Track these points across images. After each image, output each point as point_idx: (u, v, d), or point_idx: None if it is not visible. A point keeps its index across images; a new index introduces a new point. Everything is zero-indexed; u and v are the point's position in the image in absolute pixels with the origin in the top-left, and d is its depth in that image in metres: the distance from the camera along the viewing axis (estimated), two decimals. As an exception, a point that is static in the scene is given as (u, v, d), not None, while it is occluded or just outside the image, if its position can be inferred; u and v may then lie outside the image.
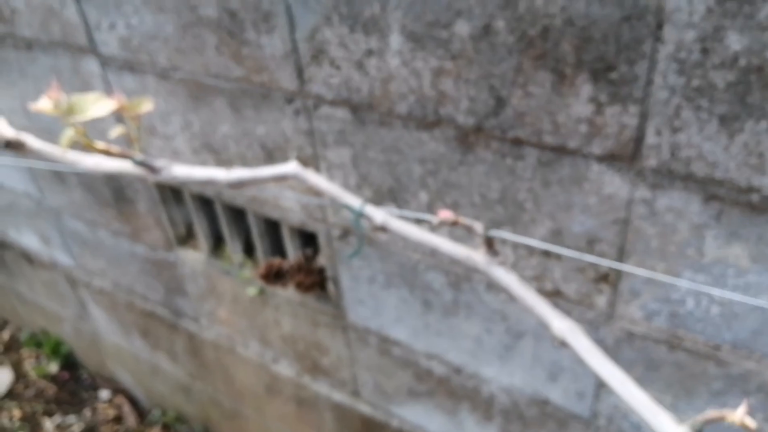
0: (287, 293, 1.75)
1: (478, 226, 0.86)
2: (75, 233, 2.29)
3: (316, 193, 1.40)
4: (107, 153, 1.03)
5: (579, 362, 1.27)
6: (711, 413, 0.68)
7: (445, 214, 0.88)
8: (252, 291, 1.81)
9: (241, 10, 1.22)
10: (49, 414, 2.97)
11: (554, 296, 1.22)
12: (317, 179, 0.99)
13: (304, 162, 1.39)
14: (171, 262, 2.01)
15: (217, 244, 1.91)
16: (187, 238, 1.96)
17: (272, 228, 1.71)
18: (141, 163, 0.99)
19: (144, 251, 2.07)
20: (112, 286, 2.37)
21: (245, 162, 1.49)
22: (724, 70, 0.82)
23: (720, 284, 1.01)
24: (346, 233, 1.46)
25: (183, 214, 1.92)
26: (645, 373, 1.21)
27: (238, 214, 1.78)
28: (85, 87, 1.67)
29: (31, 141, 1.08)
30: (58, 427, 2.91)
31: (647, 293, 1.10)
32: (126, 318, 2.45)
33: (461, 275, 1.33)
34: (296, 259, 1.62)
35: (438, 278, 1.37)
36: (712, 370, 1.12)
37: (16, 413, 2.99)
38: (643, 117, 0.92)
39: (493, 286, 1.30)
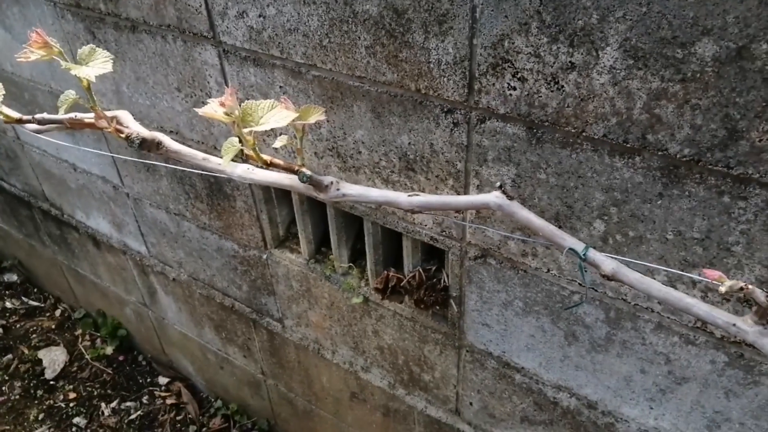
0: (395, 306, 1.62)
1: (761, 296, 0.71)
2: (155, 222, 2.16)
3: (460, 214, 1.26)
4: (269, 165, 0.90)
5: (753, 415, 1.12)
6: None
7: (713, 275, 0.73)
8: (356, 300, 1.67)
9: (411, 9, 1.07)
10: (106, 398, 2.88)
11: (743, 346, 1.08)
12: (528, 215, 0.85)
13: (447, 175, 1.25)
14: (263, 261, 1.88)
15: (318, 248, 1.77)
16: (285, 239, 1.83)
17: (388, 238, 1.57)
18: (308, 180, 0.86)
19: (233, 248, 1.94)
20: (188, 277, 2.24)
21: (375, 171, 1.35)
22: None
23: None
24: (484, 254, 1.32)
25: (284, 215, 1.78)
26: (841, 438, 1.07)
27: (350, 221, 1.64)
28: (195, 77, 1.53)
29: (169, 142, 0.94)
30: (115, 411, 2.82)
31: None
32: (200, 310, 2.33)
33: (625, 312, 1.19)
34: (418, 274, 1.48)
35: (593, 312, 1.23)
36: None
37: (72, 395, 2.90)
38: None
39: (663, 327, 1.15)
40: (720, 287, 0.69)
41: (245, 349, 2.31)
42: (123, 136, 0.92)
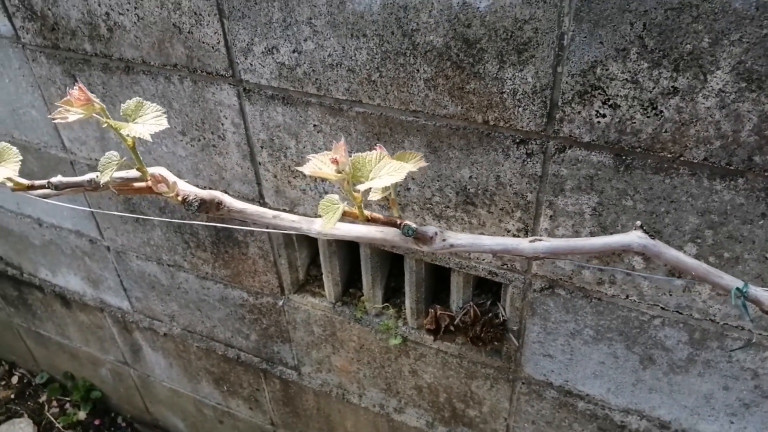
0: (441, 345, 1.54)
1: None
2: (142, 276, 1.98)
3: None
4: (368, 220, 0.81)
5: None
6: None
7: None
8: (394, 341, 1.58)
9: (485, 39, 1.00)
10: (86, 467, 2.63)
11: (843, 357, 1.08)
12: (677, 255, 0.79)
13: (515, 206, 1.19)
14: (278, 308, 1.75)
15: (345, 290, 1.67)
16: (305, 283, 1.71)
17: (428, 274, 1.50)
18: (414, 233, 0.78)
19: (241, 296, 1.80)
20: (182, 331, 2.07)
21: (427, 207, 1.27)
22: None
23: None
24: (552, 285, 1.27)
25: (304, 257, 1.67)
26: None
27: (384, 259, 1.55)
28: (206, 119, 1.39)
29: (231, 201, 0.84)
30: (99, 481, 2.59)
31: None
32: (196, 364, 2.16)
33: (711, 332, 1.16)
34: (472, 311, 1.41)
35: (674, 335, 1.20)
36: None
37: (45, 469, 2.64)
38: None
39: (754, 343, 1.14)
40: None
41: (252, 401, 2.16)
42: (179, 198, 0.80)
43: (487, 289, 1.46)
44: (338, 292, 1.64)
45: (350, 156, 0.71)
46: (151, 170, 0.79)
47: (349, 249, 1.60)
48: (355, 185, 0.72)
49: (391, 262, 1.60)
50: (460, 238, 0.83)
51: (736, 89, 0.88)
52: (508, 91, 1.04)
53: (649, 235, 0.78)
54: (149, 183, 0.79)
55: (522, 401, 1.53)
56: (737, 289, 0.76)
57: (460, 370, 1.57)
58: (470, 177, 1.19)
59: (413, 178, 1.25)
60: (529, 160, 1.11)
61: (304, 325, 1.76)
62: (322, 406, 1.96)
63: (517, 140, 1.09)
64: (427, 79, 1.09)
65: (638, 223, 0.79)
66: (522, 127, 1.07)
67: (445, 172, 1.20)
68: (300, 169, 0.70)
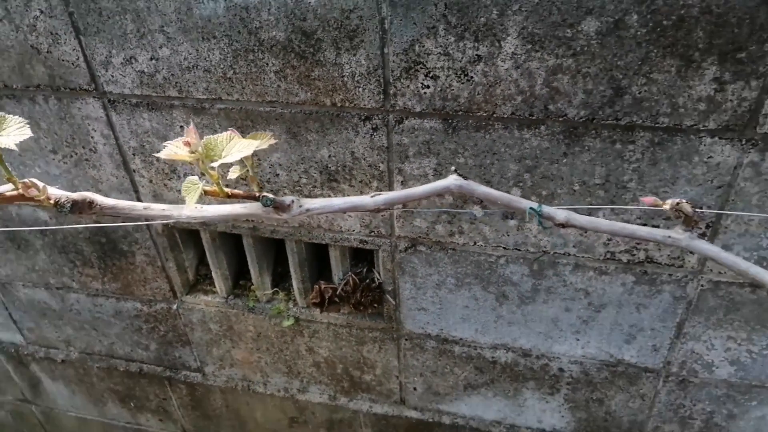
0: (329, 317, 1.64)
1: (689, 207, 0.88)
2: (31, 304, 1.93)
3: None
4: (229, 197, 0.91)
5: (659, 319, 1.35)
6: None
7: (649, 201, 0.89)
8: (287, 322, 1.67)
9: (320, 30, 1.12)
10: None
11: (645, 263, 1.29)
12: (484, 189, 0.95)
13: (371, 177, 1.32)
14: (173, 312, 1.78)
15: (236, 283, 1.73)
16: (195, 283, 1.75)
17: (311, 254, 1.59)
18: (272, 203, 0.88)
19: (135, 307, 1.81)
20: (80, 355, 2.04)
21: (296, 189, 1.37)
22: None
23: (813, 224, 1.14)
24: (414, 244, 1.41)
25: (191, 258, 1.71)
26: (725, 315, 1.32)
27: (268, 247, 1.63)
28: (76, 134, 1.42)
29: (102, 199, 0.91)
30: None
31: (739, 245, 1.20)
32: (99, 386, 2.12)
33: (546, 262, 1.35)
34: (351, 279, 1.52)
35: (518, 270, 1.38)
36: (792, 300, 1.26)
37: None
38: (764, 90, 1.01)
39: (579, 266, 1.34)
40: (664, 205, 0.84)
41: (161, 412, 2.15)
42: (51, 202, 0.86)
43: (362, 258, 1.58)
44: (229, 286, 1.70)
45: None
46: (25, 180, 0.84)
47: (234, 243, 1.67)
48: (209, 164, 0.81)
49: (276, 250, 1.68)
50: (314, 202, 0.94)
51: (525, 51, 1.06)
52: (347, 74, 1.17)
53: (463, 177, 0.93)
54: (20, 190, 0.84)
55: (408, 356, 1.66)
56: (531, 208, 0.93)
57: (351, 338, 1.68)
58: (329, 156, 1.30)
59: (280, 164, 1.35)
60: (375, 134, 1.24)
61: (200, 325, 1.80)
62: (231, 402, 2.00)
63: (363, 117, 1.23)
64: (276, 71, 1.20)
65: (453, 168, 0.94)
66: (365, 105, 1.20)
67: (307, 154, 1.31)
68: (157, 154, 0.78)
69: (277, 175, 1.37)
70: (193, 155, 0.80)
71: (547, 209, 0.95)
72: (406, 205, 1.35)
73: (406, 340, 1.63)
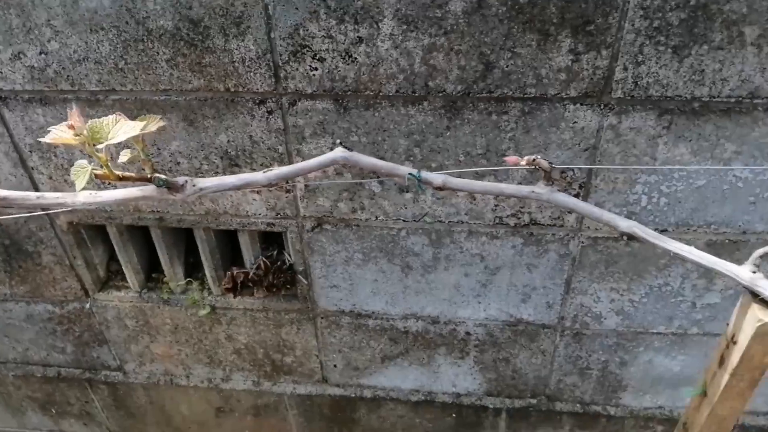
0: (245, 303, 1.68)
1: (545, 163, 0.98)
2: (-67, 316, 1.86)
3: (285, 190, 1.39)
4: (121, 179, 0.94)
5: (549, 277, 1.47)
6: (762, 250, 0.89)
7: (513, 159, 0.98)
8: (203, 311, 1.69)
9: (207, 17, 1.16)
10: None
11: (531, 225, 1.40)
12: (369, 159, 1.02)
13: (271, 160, 1.36)
14: (86, 311, 1.77)
15: (148, 276, 1.73)
16: (107, 280, 1.74)
17: (221, 241, 1.62)
18: (165, 183, 0.92)
19: (47, 309, 1.78)
20: (-8, 363, 1.98)
21: (198, 176, 1.40)
22: (679, 10, 1.05)
23: (668, 180, 1.27)
24: (320, 223, 1.47)
25: (101, 254, 1.70)
26: (606, 268, 1.45)
27: (178, 237, 1.64)
28: (-33, 134, 1.39)
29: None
30: None
31: (609, 202, 1.33)
32: (17, 395, 2.07)
33: (443, 231, 1.44)
34: (262, 263, 1.56)
35: (418, 240, 1.46)
36: (659, 250, 1.39)
37: None
38: (614, 58, 1.12)
39: (473, 232, 1.43)
40: (521, 161, 0.94)
41: (84, 416, 2.12)
42: None
43: (273, 241, 1.62)
44: (141, 280, 1.71)
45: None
46: None
47: (143, 236, 1.67)
48: (96, 146, 0.83)
49: (186, 239, 1.70)
50: (207, 181, 0.98)
51: (401, 31, 1.14)
52: (237, 59, 1.21)
53: (348, 150, 0.99)
54: None
55: (326, 335, 1.72)
56: (410, 174, 1.00)
57: (268, 322, 1.72)
58: (228, 141, 1.34)
59: (180, 152, 1.37)
60: (271, 117, 1.29)
61: (116, 322, 1.79)
62: (155, 398, 2.00)
63: (257, 101, 1.27)
64: (168, 59, 1.23)
65: (338, 141, 1.00)
66: (258, 89, 1.25)
67: (206, 140, 1.35)
68: (42, 139, 0.80)
69: (178, 163, 1.39)
70: (78, 138, 0.83)
71: (425, 174, 1.03)
72: (308, 184, 1.40)
73: (322, 318, 1.68)
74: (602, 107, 1.19)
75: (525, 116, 1.22)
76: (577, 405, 1.78)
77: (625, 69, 1.13)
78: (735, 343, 0.95)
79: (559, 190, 1.01)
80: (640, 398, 1.72)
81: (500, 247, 1.45)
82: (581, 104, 1.19)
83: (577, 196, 1.32)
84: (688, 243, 1.35)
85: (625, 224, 0.97)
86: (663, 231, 1.35)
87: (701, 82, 1.13)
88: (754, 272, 0.90)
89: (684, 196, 1.29)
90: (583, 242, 1.41)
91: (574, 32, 1.10)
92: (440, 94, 1.21)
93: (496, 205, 1.38)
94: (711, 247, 1.35)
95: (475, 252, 1.47)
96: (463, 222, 1.41)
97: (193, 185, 0.97)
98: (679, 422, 1.13)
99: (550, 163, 0.98)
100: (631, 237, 0.98)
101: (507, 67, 1.16)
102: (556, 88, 1.17)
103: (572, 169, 1.29)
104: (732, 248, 1.37)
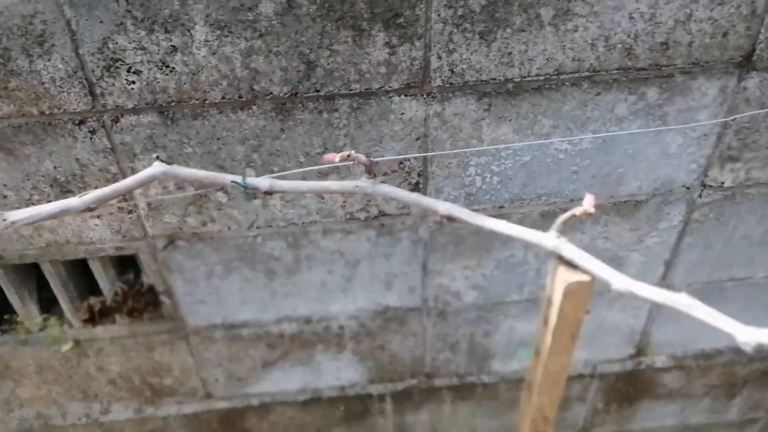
0: (110, 331, 1.52)
1: (363, 157, 0.93)
2: None
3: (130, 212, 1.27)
4: None
5: (407, 263, 1.44)
6: (564, 216, 0.90)
7: (330, 157, 0.93)
8: (66, 347, 1.52)
9: (4, 38, 1.02)
10: None
11: (380, 217, 1.36)
12: (188, 171, 0.94)
13: (105, 181, 1.23)
14: (-66, 365, 1.54)
15: (0, 319, 1.54)
16: (-48, 328, 1.53)
17: (74, 271, 1.46)
18: None
19: None
20: None
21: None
22: (477, -3, 1.04)
23: (497, 159, 1.27)
24: (171, 240, 1.35)
25: (-62, 302, 1.49)
26: (456, 248, 1.45)
27: (25, 274, 1.46)
28: None
29: None
30: None
31: (448, 186, 1.31)
32: None
33: (299, 233, 1.37)
34: (120, 289, 1.42)
35: (276, 245, 1.39)
36: (501, 224, 1.40)
37: None
38: (427, 48, 1.10)
39: (327, 230, 1.37)
40: (335, 158, 0.89)
41: (-45, 475, 1.87)
42: None
43: (129, 265, 1.49)
44: (-9, 323, 1.51)
45: None
46: None
47: (-16, 277, 1.48)
48: None
49: (37, 275, 1.52)
50: (18, 214, 0.86)
51: (215, 37, 1.05)
52: (47, 80, 1.08)
53: (167, 163, 0.90)
54: None
55: (201, 351, 1.61)
56: (233, 181, 0.93)
57: (139, 347, 1.58)
58: (55, 167, 1.20)
59: (5, 185, 1.21)
60: (95, 136, 1.16)
61: (-28, 371, 1.58)
62: (31, 443, 1.79)
63: (77, 122, 1.14)
64: (-33, 87, 1.07)
65: (155, 155, 0.91)
66: (75, 109, 1.12)
67: (31, 169, 1.20)
68: None
69: (5, 197, 1.23)
70: None
71: (251, 180, 0.95)
72: (150, 202, 1.29)
73: (194, 335, 1.57)
74: (425, 96, 1.17)
75: (355, 112, 1.17)
76: (454, 378, 1.78)
77: (440, 58, 1.11)
78: (552, 303, 0.96)
79: (382, 182, 0.97)
80: (508, 363, 1.74)
81: (356, 242, 1.40)
82: (405, 95, 1.16)
83: (417, 184, 1.30)
84: (524, 216, 1.38)
85: (444, 207, 0.95)
86: (501, 207, 1.36)
87: (511, 64, 1.13)
88: (558, 237, 0.91)
89: (513, 173, 1.30)
90: (430, 227, 1.40)
91: (386, 26, 1.06)
92: (268, 97, 1.14)
93: (344, 202, 1.33)
94: (544, 218, 1.38)
95: (333, 249, 1.41)
96: (316, 222, 1.35)
97: (3, 219, 0.85)
98: (525, 382, 1.14)
99: (368, 157, 0.94)
100: (451, 219, 0.96)
101: (328, 65, 1.10)
102: (378, 81, 1.13)
103: (408, 159, 1.26)
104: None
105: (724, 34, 1.11)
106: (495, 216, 1.38)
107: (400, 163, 1.27)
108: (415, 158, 1.26)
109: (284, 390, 1.74)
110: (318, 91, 1.14)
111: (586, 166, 1.30)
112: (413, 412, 1.85)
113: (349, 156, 0.91)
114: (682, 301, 0.81)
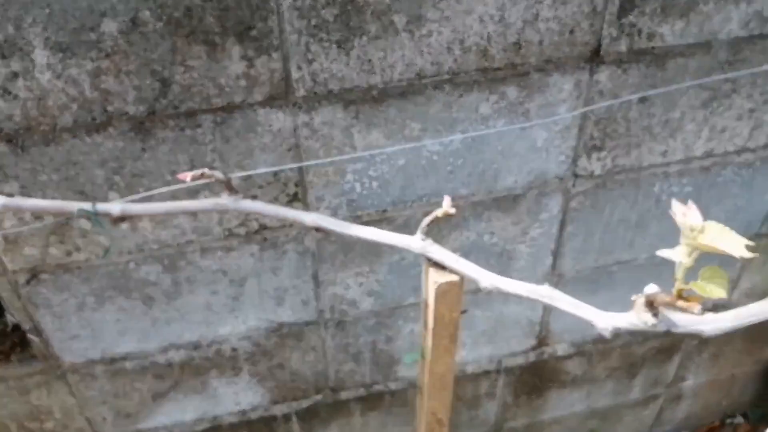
0: (-26, 379, 1.51)
1: (219, 173, 1.01)
2: None
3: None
4: None
5: (296, 276, 1.53)
6: (427, 219, 1.01)
7: (184, 176, 1.00)
8: (-77, 402, 1.49)
9: None
10: None
11: (262, 231, 1.43)
12: (31, 201, 0.99)
13: (-45, 220, 1.24)
14: None
15: None
16: None
17: (-77, 318, 1.44)
18: None
19: None
20: None
21: None
22: (330, 6, 1.13)
23: (373, 164, 1.38)
24: (34, 274, 1.36)
25: None
26: (346, 256, 1.54)
27: None
28: None
29: None
30: None
31: (329, 194, 1.41)
32: None
33: (174, 254, 1.42)
34: (-22, 331, 1.42)
35: (151, 269, 1.43)
36: (386, 228, 1.50)
37: None
38: (285, 59, 1.18)
39: (206, 249, 1.43)
40: (187, 177, 0.96)
41: None
42: None
43: (-12, 305, 1.48)
44: None
45: None
46: None
47: None
48: None
49: None
50: None
51: (58, 59, 1.09)
52: None
53: (9, 196, 0.93)
54: None
55: (82, 389, 1.62)
56: (80, 209, 0.98)
57: (11, 392, 1.57)
58: None
59: None
60: (-66, 171, 1.17)
61: None
62: None
63: None
64: None
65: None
66: None
67: None
68: None
69: None
70: None
71: (101, 206, 1.01)
72: (6, 236, 1.30)
73: (72, 373, 1.58)
74: (291, 107, 1.25)
75: (219, 126, 1.24)
76: (361, 389, 1.87)
77: (300, 68, 1.20)
78: (428, 306, 1.06)
79: (242, 198, 1.05)
80: (414, 367, 1.86)
81: (239, 258, 1.47)
82: (270, 107, 1.24)
83: (295, 194, 1.38)
84: (409, 218, 1.49)
85: (310, 218, 1.04)
86: (384, 211, 1.47)
87: (372, 71, 1.24)
88: (424, 240, 1.02)
89: (391, 177, 1.41)
90: (317, 236, 1.48)
91: (239, 39, 1.14)
92: (124, 118, 1.18)
93: (221, 218, 1.39)
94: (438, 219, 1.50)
95: (215, 268, 1.47)
96: (192, 241, 1.41)
97: None
98: (417, 387, 1.24)
99: (225, 174, 1.02)
100: (319, 229, 1.05)
101: (185, 81, 1.16)
102: (240, 95, 1.21)
103: (283, 170, 1.34)
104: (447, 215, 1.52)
105: (571, 32, 1.27)
106: (380, 220, 1.50)
107: (275, 174, 1.34)
108: (291, 169, 1.34)
109: (179, 421, 1.78)
110: (177, 108, 1.19)
111: (460, 165, 1.43)
112: (322, 429, 1.94)
113: (203, 174, 0.98)
114: (544, 293, 0.93)
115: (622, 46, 1.32)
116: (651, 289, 0.77)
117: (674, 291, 0.74)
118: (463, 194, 1.50)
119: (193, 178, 0.95)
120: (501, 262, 1.66)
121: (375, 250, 1.55)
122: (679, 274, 0.74)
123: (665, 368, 2.18)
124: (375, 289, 1.64)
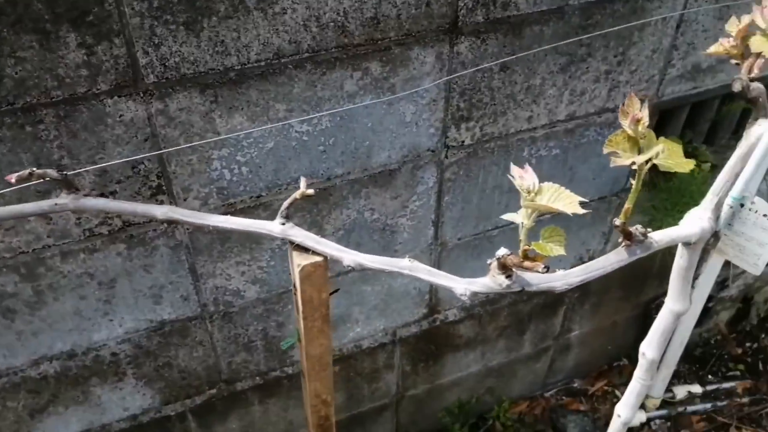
0: None
1: (52, 172, 0.94)
2: None
3: None
4: None
5: (171, 271, 1.48)
6: (287, 202, 1.00)
7: (10, 177, 0.93)
8: None
9: None
10: None
11: (126, 228, 1.36)
12: None
13: None
14: None
15: None
16: None
17: None
18: None
19: None
20: None
21: None
22: (171, -12, 1.08)
23: (240, 149, 1.34)
24: None
25: None
26: (223, 246, 1.50)
27: None
28: None
29: None
30: None
31: (195, 183, 1.35)
32: None
33: (32, 262, 1.32)
34: None
35: (9, 279, 1.32)
36: (263, 214, 1.48)
37: None
38: (129, 45, 1.11)
39: (67, 253, 1.34)
40: (12, 179, 0.89)
41: None
42: None
43: None
44: None
45: None
46: None
47: None
48: None
49: None
50: None
51: None
52: None
53: None
54: None
55: (-57, 417, 1.49)
56: None
57: None
58: None
59: None
60: None
61: None
62: None
63: None
64: None
65: None
66: None
67: None
68: None
69: None
70: None
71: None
72: None
73: (-71, 401, 1.45)
74: (142, 95, 1.19)
75: (64, 120, 1.16)
76: (257, 378, 1.85)
77: (147, 53, 1.14)
78: (297, 289, 1.05)
79: (84, 195, 0.99)
80: (308, 350, 1.86)
81: (105, 259, 1.39)
82: (119, 96, 1.17)
83: (158, 186, 1.32)
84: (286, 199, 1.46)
85: (161, 211, 1.00)
86: (259, 197, 1.44)
87: (227, 53, 1.19)
88: (284, 224, 1.00)
89: (261, 161, 1.38)
90: (188, 229, 1.43)
91: (75, 26, 1.06)
92: (-50, 119, 1.08)
93: (78, 219, 1.31)
94: (306, 200, 1.48)
95: (80, 272, 1.39)
96: (50, 246, 1.32)
97: None
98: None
99: (60, 171, 0.95)
100: (171, 222, 1.01)
101: (17, 74, 1.07)
102: (83, 85, 1.13)
103: (142, 162, 1.28)
104: (325, 195, 1.52)
105: (428, 4, 1.28)
106: (255, 206, 1.47)
107: (134, 167, 1.28)
108: (150, 161, 1.28)
109: (63, 436, 1.68)
110: (13, 103, 1.10)
111: (332, 145, 1.42)
112: (221, 423, 1.90)
113: (31, 174, 0.91)
114: (404, 265, 0.95)
115: (479, 17, 1.35)
116: (502, 252, 0.80)
117: (520, 252, 0.78)
118: (339, 173, 1.49)
119: (19, 180, 0.88)
120: (384, 237, 1.68)
121: (253, 237, 1.52)
122: (522, 235, 0.77)
123: (552, 322, 2.31)
124: (259, 277, 1.61)
